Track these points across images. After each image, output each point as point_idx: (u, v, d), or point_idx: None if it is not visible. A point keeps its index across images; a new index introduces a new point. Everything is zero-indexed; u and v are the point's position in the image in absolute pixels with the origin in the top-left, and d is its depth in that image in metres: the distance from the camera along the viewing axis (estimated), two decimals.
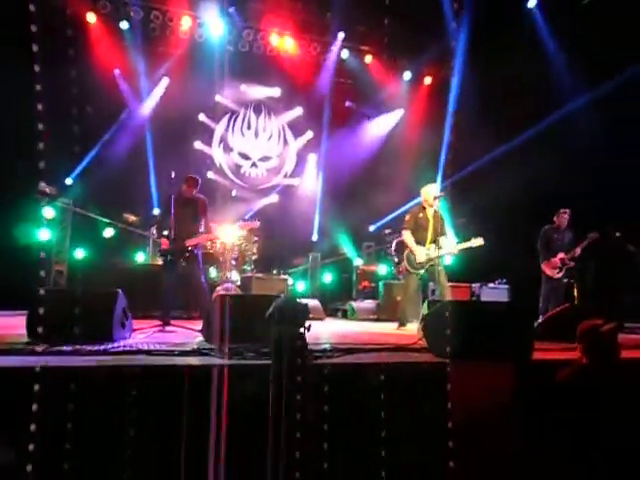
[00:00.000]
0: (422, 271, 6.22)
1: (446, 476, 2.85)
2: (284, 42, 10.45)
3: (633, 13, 7.63)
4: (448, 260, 8.86)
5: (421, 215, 6.36)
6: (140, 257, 8.96)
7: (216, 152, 11.04)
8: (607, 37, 7.75)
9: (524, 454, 2.88)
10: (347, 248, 10.71)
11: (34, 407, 2.35)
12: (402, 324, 6.23)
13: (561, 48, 9.34)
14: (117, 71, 9.75)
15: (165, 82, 10.20)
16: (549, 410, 2.87)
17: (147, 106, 10.05)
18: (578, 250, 7.15)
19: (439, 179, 10.29)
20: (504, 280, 9.15)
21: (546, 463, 2.74)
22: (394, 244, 9.30)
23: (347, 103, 11.47)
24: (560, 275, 7.23)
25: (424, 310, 4.63)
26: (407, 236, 6.35)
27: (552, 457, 2.74)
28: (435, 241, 6.25)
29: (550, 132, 8.89)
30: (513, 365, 3.30)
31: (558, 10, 9.61)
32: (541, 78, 9.10)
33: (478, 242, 6.19)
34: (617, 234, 6.94)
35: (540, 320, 5.45)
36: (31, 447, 2.32)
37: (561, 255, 7.19)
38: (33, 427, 2.32)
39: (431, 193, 6.35)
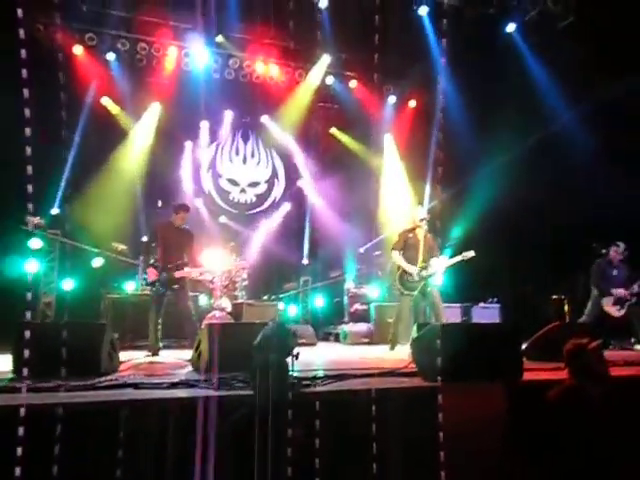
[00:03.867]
0: (415, 292, 6.19)
1: None
2: (269, 69, 10.59)
3: (611, 30, 7.85)
4: (439, 280, 8.88)
5: (411, 235, 6.34)
6: (130, 286, 8.88)
7: (204, 179, 11.07)
8: (588, 56, 7.92)
9: (516, 473, 2.86)
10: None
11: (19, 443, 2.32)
12: (393, 347, 6.19)
13: (543, 68, 9.54)
14: (105, 98, 9.79)
15: (156, 108, 10.21)
16: (540, 430, 2.86)
17: (137, 132, 10.03)
18: (636, 287, 6.63)
19: (426, 199, 10.36)
20: (495, 299, 9.12)
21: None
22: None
23: (331, 129, 11.59)
24: (622, 313, 6.67)
25: (414, 333, 4.61)
26: (396, 256, 6.31)
27: (544, 476, 2.72)
28: (427, 262, 6.24)
29: (538, 149, 8.99)
30: (503, 386, 3.30)
31: (537, 32, 9.87)
32: (526, 97, 9.25)
33: (469, 254, 6.12)
34: (603, 251, 6.98)
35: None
36: None
37: (620, 291, 6.69)
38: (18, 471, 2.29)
39: (417, 215, 6.37)
